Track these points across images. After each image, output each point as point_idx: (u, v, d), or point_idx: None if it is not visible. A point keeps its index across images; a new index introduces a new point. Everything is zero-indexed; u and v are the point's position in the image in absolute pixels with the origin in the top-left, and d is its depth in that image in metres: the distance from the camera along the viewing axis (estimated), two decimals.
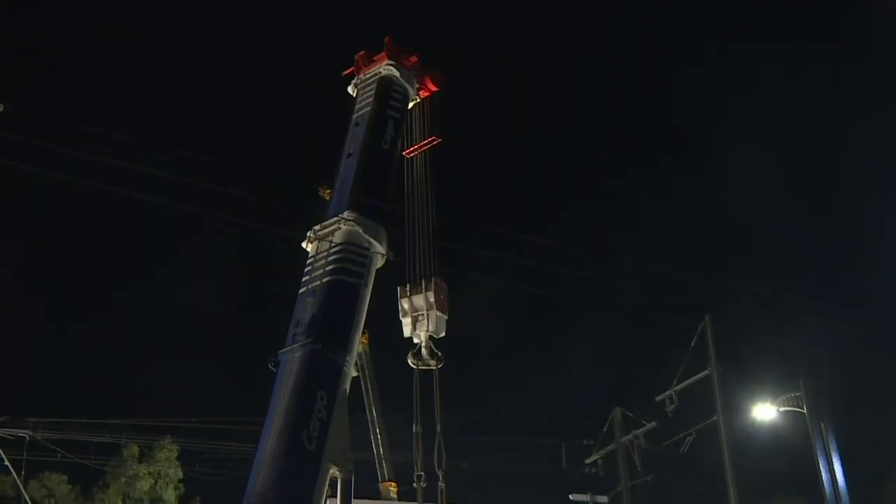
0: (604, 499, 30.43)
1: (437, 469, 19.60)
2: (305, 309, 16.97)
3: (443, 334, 18.37)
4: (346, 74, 19.61)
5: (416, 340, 18.43)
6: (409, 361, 18.79)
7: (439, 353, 18.47)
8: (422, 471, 19.22)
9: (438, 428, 19.96)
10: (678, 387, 30.20)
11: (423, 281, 17.90)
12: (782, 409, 24.19)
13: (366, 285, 17.29)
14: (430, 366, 19.05)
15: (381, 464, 21.80)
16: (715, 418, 27.44)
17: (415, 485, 19.96)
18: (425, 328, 18.22)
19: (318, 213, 17.38)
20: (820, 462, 23.25)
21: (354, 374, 18.19)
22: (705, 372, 28.41)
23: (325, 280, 16.89)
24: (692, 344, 28.78)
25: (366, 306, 17.20)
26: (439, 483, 19.63)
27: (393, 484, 21.32)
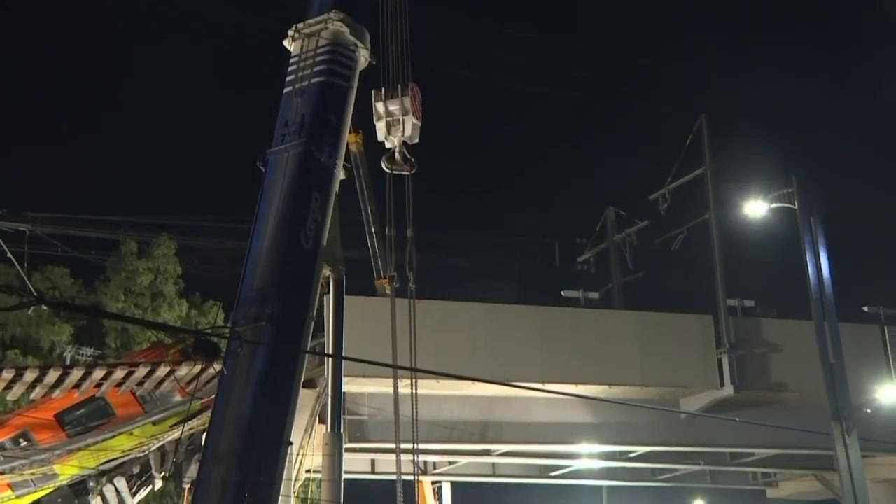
0: (595, 295, 31.13)
1: (408, 272, 20.28)
2: (293, 109, 16.88)
3: (416, 140, 18.52)
4: None
5: (388, 145, 18.62)
6: (383, 166, 19.03)
7: (412, 159, 18.75)
8: (395, 272, 20.19)
9: (409, 232, 20.54)
10: (671, 185, 30.36)
11: (399, 86, 17.84)
12: (774, 205, 24.35)
13: (352, 88, 17.23)
14: (403, 171, 19.35)
15: (376, 262, 22.14)
16: (707, 216, 27.72)
17: (383, 284, 20.68)
18: (400, 133, 18.37)
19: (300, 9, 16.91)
20: (807, 256, 23.63)
21: (343, 176, 18.42)
22: (699, 170, 28.47)
23: (313, 81, 16.71)
24: (687, 143, 28.71)
25: (351, 109, 17.16)
26: (410, 284, 20.44)
27: (388, 281, 21.76)
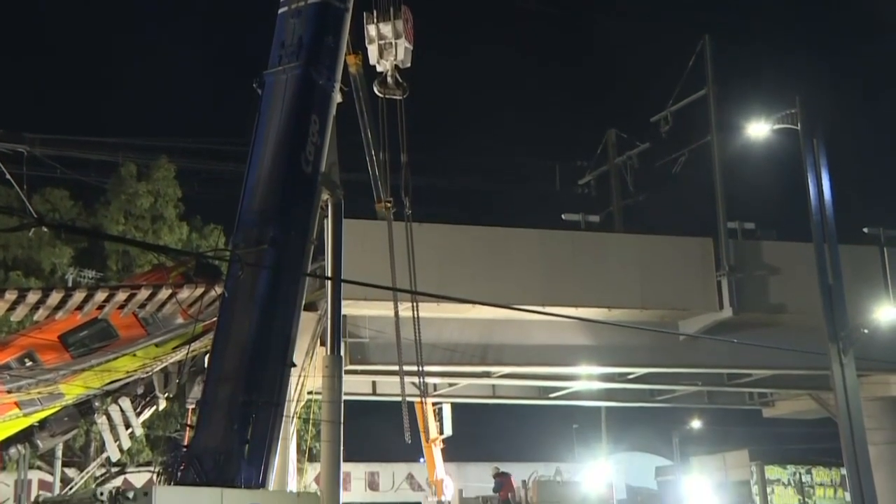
0: (595, 218, 31.11)
1: (403, 197, 20.34)
2: (290, 30, 16.74)
3: (409, 65, 18.37)
4: None
5: (380, 69, 18.49)
6: (376, 90, 18.91)
7: (404, 84, 18.64)
8: (392, 196, 20.32)
9: (403, 157, 20.54)
10: (673, 107, 30.12)
11: (391, 9, 17.65)
12: (776, 126, 24.15)
13: (348, 10, 17.05)
14: (395, 95, 19.25)
15: (376, 185, 22.11)
16: (708, 138, 27.54)
17: (382, 208, 20.75)
18: (392, 57, 18.24)
19: None
20: (809, 177, 23.53)
21: (339, 99, 18.35)
22: (701, 92, 28.21)
23: (309, 1, 16.53)
24: (690, 63, 28.40)
25: (347, 31, 17.00)
26: (406, 210, 20.52)
27: (387, 204, 21.78)
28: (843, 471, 29.35)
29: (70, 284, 27.14)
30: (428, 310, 23.78)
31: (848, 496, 28.95)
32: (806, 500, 46.61)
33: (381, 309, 22.65)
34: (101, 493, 14.35)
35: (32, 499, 29.93)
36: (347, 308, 22.66)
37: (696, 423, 43.37)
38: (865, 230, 28.80)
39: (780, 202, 35.83)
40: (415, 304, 20.82)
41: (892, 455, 27.94)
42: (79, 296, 21.64)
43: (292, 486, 21.38)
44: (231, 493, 15.36)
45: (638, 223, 32.35)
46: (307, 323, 20.02)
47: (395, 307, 21.09)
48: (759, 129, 24.15)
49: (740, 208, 27.52)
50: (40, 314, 21.93)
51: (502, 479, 23.81)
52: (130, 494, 14.29)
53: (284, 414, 17.64)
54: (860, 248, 27.07)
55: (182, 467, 15.79)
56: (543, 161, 37.53)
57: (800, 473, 47.08)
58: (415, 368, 26.40)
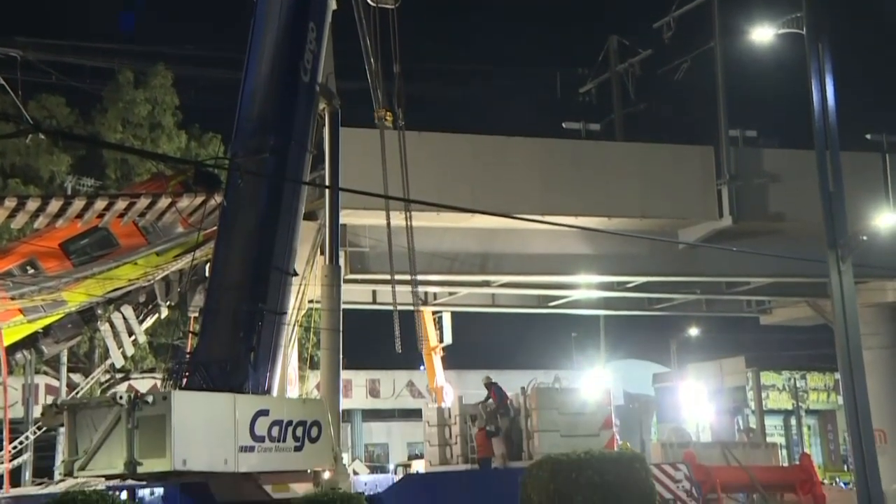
0: (596, 127, 30.89)
1: (396, 107, 20.21)
2: None
3: None
4: None
5: None
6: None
7: None
8: (385, 106, 20.21)
9: (396, 68, 20.37)
10: (676, 13, 29.63)
11: None
12: (781, 30, 23.73)
13: None
14: (387, 4, 18.99)
15: (375, 92, 21.93)
16: (712, 44, 27.16)
17: (380, 117, 20.65)
18: None
19: None
20: (813, 82, 23.23)
21: (335, 6, 18.12)
22: None
23: None
24: None
25: None
26: (399, 121, 20.42)
27: (386, 112, 21.62)
28: (837, 376, 29.81)
29: (69, 193, 27.07)
30: (427, 219, 23.80)
31: (840, 400, 29.43)
32: (799, 404, 47.49)
33: (380, 218, 22.63)
34: (121, 397, 14.62)
35: (42, 402, 30.44)
36: (347, 217, 22.68)
37: (693, 331, 43.82)
38: (868, 136, 28.64)
39: (784, 109, 35.55)
40: (407, 213, 20.84)
41: (886, 360, 28.39)
42: (78, 204, 21.65)
43: (293, 393, 21.70)
44: (242, 399, 15.69)
45: (639, 132, 32.13)
46: (307, 232, 20.05)
47: (388, 215, 21.11)
48: (763, 34, 23.76)
49: (743, 115, 27.34)
50: (40, 222, 21.99)
51: (489, 390, 24.19)
52: (149, 398, 14.59)
53: (287, 322, 17.84)
54: (862, 155, 26.96)
55: (187, 374, 16.05)
56: (544, 69, 37.13)
57: (794, 379, 47.86)
58: (421, 278, 26.57)
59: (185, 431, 14.62)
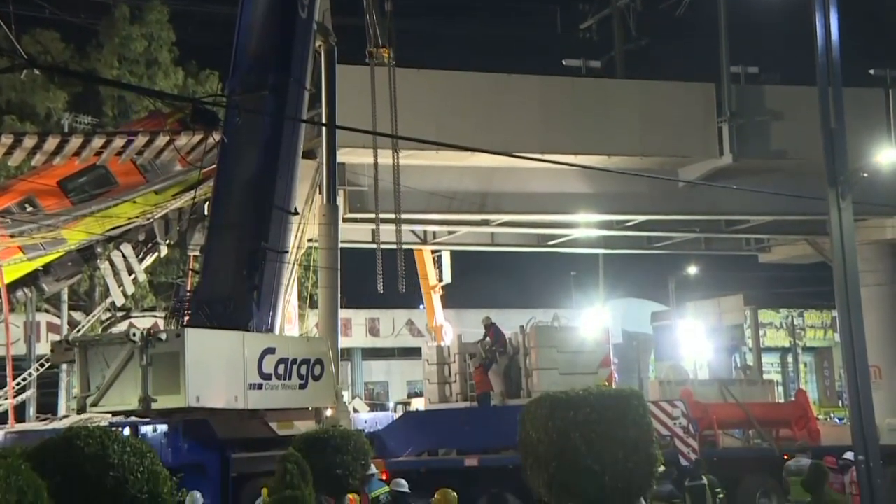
0: (597, 64, 30.61)
1: (388, 45, 20.08)
2: None
3: None
4: None
5: None
6: None
7: None
8: (378, 43, 20.10)
9: (388, 5, 20.18)
10: None
11: None
12: None
13: None
14: None
15: (369, 29, 21.76)
16: None
17: (384, 54, 20.50)
18: None
19: None
20: (816, 16, 22.86)
21: None
22: None
23: None
24: None
25: None
26: (391, 60, 20.29)
27: (383, 50, 21.43)
28: (834, 313, 29.92)
29: (66, 130, 26.92)
30: (426, 157, 23.69)
31: (837, 337, 29.59)
32: (796, 341, 47.82)
33: (380, 157, 22.57)
34: (134, 334, 14.74)
35: (44, 340, 30.63)
36: (346, 156, 22.59)
37: (692, 270, 43.90)
38: (872, 72, 28.38)
39: (786, 44, 35.15)
40: (395, 151, 20.74)
41: (883, 296, 28.50)
42: (76, 141, 21.54)
43: (293, 332, 21.82)
44: (251, 337, 15.87)
45: (640, 69, 31.84)
46: (306, 171, 19.98)
47: (375, 154, 21.04)
48: None
49: (745, 52, 27.03)
50: (38, 159, 21.90)
51: (488, 330, 24.33)
52: (163, 336, 14.70)
53: (287, 261, 17.89)
54: (865, 91, 26.71)
55: (189, 312, 16.13)
56: (544, 4, 36.67)
57: (792, 317, 48.13)
58: (420, 216, 26.55)
59: (198, 369, 14.79)
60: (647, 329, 44.09)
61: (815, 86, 17.10)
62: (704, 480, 13.31)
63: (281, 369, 16.10)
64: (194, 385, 14.63)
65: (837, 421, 32.38)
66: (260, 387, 15.75)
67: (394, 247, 30.52)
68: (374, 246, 23.89)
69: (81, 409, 15.51)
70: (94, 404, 15.25)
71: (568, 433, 10.88)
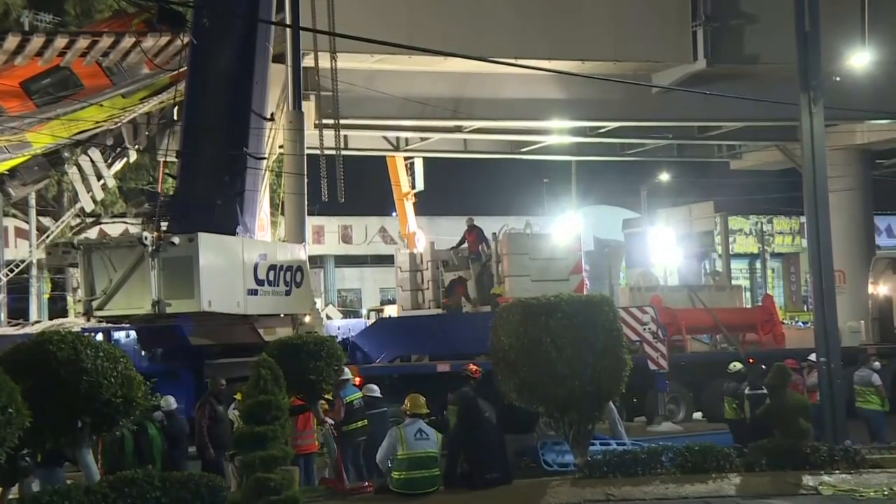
0: None
1: None
2: None
3: None
4: None
5: None
6: None
7: None
8: None
9: None
10: None
11: None
12: None
13: None
14: None
15: None
16: None
17: None
18: None
19: None
20: None
21: None
22: None
23: None
24: None
25: None
26: None
27: None
28: (803, 220, 30.18)
29: (26, 28, 26.17)
30: (398, 62, 23.35)
31: (804, 243, 29.91)
32: (765, 247, 48.41)
33: (352, 62, 22.19)
34: (145, 238, 14.65)
35: (11, 245, 30.36)
36: (321, 61, 22.17)
37: (664, 177, 44.04)
38: None
39: None
40: (332, 55, 20.14)
41: (849, 201, 28.93)
42: (37, 41, 21.01)
43: (266, 238, 21.75)
44: (249, 243, 16.11)
45: None
46: (276, 75, 19.61)
47: (333, 59, 20.46)
48: None
49: None
50: None
51: (472, 231, 24.31)
52: (175, 240, 14.65)
53: (263, 168, 17.73)
54: None
55: (168, 218, 15.99)
56: None
57: (761, 223, 48.64)
58: (392, 123, 26.27)
59: (209, 273, 14.79)
60: (618, 236, 44.39)
61: None
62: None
63: (272, 275, 16.16)
64: (206, 289, 14.65)
65: (801, 325, 32.99)
66: (256, 293, 15.84)
67: (365, 154, 30.30)
68: (346, 153, 23.73)
69: (86, 314, 15.46)
70: (100, 308, 15.16)
71: (539, 339, 11.02)
